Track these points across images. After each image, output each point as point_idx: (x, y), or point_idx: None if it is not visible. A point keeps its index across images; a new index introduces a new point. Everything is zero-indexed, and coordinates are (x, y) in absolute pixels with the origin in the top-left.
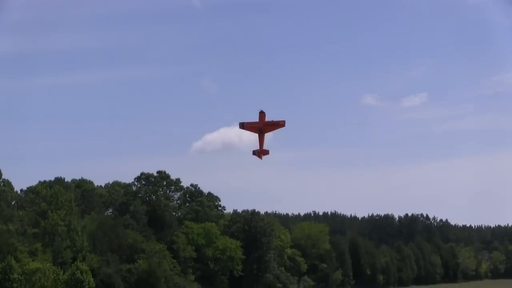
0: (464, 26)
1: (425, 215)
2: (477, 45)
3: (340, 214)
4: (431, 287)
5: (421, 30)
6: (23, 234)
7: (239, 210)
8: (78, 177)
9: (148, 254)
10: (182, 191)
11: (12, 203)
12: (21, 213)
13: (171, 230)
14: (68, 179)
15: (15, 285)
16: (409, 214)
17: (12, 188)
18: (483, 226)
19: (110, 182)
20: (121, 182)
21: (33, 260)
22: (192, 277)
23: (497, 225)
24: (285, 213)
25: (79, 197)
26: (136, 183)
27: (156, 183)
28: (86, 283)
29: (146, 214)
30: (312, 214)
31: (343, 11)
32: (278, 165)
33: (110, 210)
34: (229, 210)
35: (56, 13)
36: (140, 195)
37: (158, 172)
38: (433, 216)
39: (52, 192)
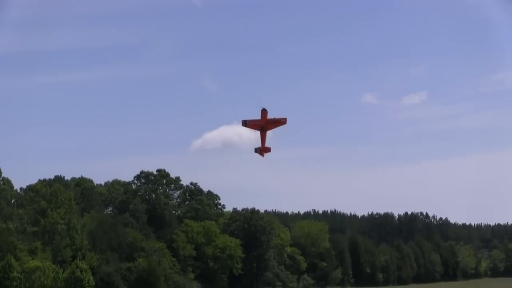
0: (463, 24)
1: (424, 214)
2: (477, 43)
3: (339, 212)
4: (431, 285)
5: (420, 28)
6: (23, 233)
7: (239, 209)
8: (77, 176)
9: (148, 252)
10: (182, 189)
11: (12, 201)
12: (20, 211)
13: (170, 228)
14: (67, 177)
15: (14, 283)
16: (409, 213)
17: (12, 187)
18: (482, 224)
19: (110, 181)
20: (120, 180)
21: (32, 259)
22: (192, 276)
23: (496, 223)
24: (284, 212)
25: (78, 196)
26: (135, 181)
27: (156, 182)
28: (86, 281)
29: (145, 212)
30: (312, 213)
31: (343, 10)
32: (278, 164)
33: (110, 209)
34: (228, 208)
35: (56, 12)
36: (139, 193)
37: (158, 170)
38: (432, 215)
39: (51, 191)
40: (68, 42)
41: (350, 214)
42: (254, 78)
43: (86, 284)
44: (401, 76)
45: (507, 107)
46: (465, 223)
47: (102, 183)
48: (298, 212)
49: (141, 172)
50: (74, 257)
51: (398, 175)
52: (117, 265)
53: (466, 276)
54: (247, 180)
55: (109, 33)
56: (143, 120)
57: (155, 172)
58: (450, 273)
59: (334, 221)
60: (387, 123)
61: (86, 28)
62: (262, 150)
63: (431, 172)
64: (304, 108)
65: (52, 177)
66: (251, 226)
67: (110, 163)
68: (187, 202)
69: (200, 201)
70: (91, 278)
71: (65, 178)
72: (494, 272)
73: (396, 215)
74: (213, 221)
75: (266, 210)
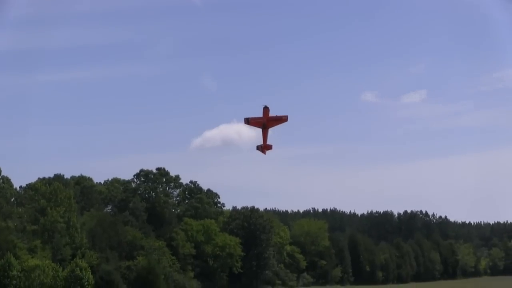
0: (463, 22)
1: (424, 212)
2: (477, 41)
3: (339, 211)
4: (430, 284)
5: (420, 27)
6: (22, 231)
7: (238, 207)
8: (77, 174)
9: (148, 251)
10: (182, 188)
11: (12, 200)
12: (20, 210)
13: (170, 227)
14: (67, 176)
15: (14, 282)
16: (408, 211)
17: (12, 185)
18: (482, 222)
19: (110, 179)
20: (120, 179)
21: (32, 257)
22: (192, 274)
23: (496, 221)
24: (284, 210)
25: (78, 194)
26: (135, 180)
27: (156, 180)
28: (85, 280)
29: (145, 211)
30: (311, 211)
31: (342, 9)
32: (278, 162)
33: (110, 207)
34: (228, 207)
35: (56, 10)
36: (139, 192)
37: (158, 169)
38: (432, 213)
39: (51, 189)
40: (68, 40)
41: (350, 212)
42: (254, 77)
43: (86, 283)
44: (400, 74)
45: (507, 106)
46: (465, 222)
47: (102, 182)
48: (298, 210)
49: (141, 171)
50: (73, 256)
51: (398, 173)
52: (117, 264)
53: (466, 274)
54: (246, 179)
55: (109, 32)
56: (143, 118)
57: (154, 171)
58: (450, 272)
59: (334, 219)
60: (387, 122)
61: (86, 27)
62: (264, 147)
63: (431, 171)
64: (303, 107)
65: (51, 175)
66: (251, 224)
67: (110, 162)
68: (186, 201)
69: (199, 200)
70: (91, 276)
71: (65, 177)
72: (494, 271)
73: (395, 213)
74: (213, 220)
75: (266, 208)
